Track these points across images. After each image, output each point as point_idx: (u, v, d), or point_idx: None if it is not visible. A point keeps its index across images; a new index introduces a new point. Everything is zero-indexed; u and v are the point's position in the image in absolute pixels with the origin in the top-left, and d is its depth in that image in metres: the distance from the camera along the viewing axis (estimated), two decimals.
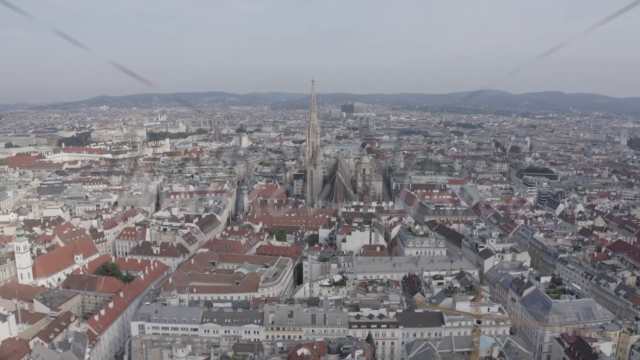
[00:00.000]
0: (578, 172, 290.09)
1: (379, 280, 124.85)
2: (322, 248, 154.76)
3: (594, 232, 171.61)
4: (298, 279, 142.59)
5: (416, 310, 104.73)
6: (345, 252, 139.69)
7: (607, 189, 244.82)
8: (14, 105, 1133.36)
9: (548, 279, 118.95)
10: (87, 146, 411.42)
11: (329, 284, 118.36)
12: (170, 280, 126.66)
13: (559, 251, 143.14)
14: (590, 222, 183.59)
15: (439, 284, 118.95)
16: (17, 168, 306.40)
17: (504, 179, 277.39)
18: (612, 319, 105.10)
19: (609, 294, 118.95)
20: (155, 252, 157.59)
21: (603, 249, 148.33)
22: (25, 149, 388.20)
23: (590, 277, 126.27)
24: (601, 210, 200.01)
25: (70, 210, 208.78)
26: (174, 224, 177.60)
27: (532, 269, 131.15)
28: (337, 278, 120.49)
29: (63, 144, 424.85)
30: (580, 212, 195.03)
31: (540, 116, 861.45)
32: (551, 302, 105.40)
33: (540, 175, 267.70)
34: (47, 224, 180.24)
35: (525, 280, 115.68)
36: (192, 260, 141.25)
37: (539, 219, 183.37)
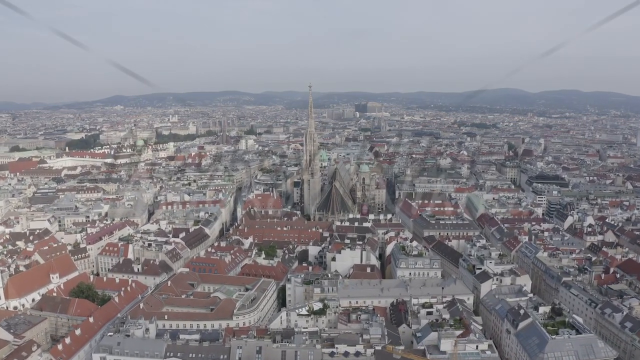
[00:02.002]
0: (591, 178, 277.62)
1: (364, 308, 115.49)
2: (310, 268, 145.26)
3: (604, 248, 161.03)
4: (283, 302, 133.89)
5: (397, 347, 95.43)
6: (330, 274, 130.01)
7: (620, 197, 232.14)
8: (30, 105, 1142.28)
9: (547, 308, 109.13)
10: (91, 150, 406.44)
11: (307, 312, 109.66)
12: (141, 305, 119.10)
13: (563, 274, 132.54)
14: (600, 237, 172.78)
15: (428, 313, 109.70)
16: (17, 174, 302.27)
17: (512, 186, 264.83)
18: (615, 357, 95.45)
19: (613, 326, 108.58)
20: (136, 270, 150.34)
21: (611, 270, 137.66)
22: (29, 153, 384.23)
23: (595, 306, 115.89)
24: (612, 222, 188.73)
25: (59, 222, 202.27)
26: (160, 238, 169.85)
27: (531, 295, 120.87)
28: (318, 306, 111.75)
29: (67, 148, 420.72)
30: (590, 225, 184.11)
31: (557, 115, 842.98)
32: (547, 338, 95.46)
33: (551, 182, 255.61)
34: (31, 238, 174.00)
35: (522, 312, 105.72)
36: (169, 282, 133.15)
37: (545, 233, 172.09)
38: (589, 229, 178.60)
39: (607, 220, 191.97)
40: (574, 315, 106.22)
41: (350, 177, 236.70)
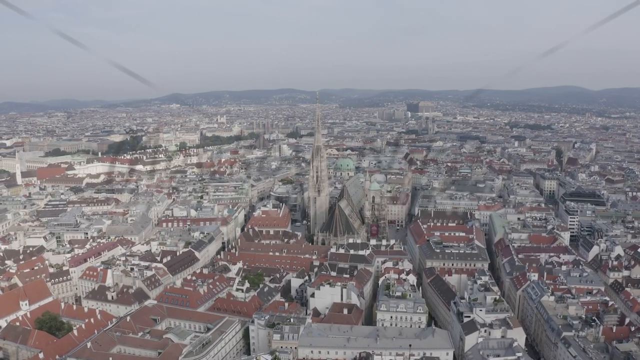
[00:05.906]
0: (634, 194, 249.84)
1: None
2: (287, 304, 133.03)
3: (627, 287, 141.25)
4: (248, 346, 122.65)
5: None
6: (292, 319, 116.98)
7: None
8: (91, 103, 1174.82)
9: None
10: (123, 155, 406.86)
11: None
12: (89, 344, 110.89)
13: (564, 327, 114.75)
14: (627, 273, 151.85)
15: None
16: (41, 181, 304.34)
17: (543, 204, 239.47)
18: None
19: None
20: (110, 298, 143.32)
21: (627, 320, 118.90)
22: (61, 159, 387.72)
23: None
24: None
25: (58, 239, 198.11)
26: (143, 262, 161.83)
27: (520, 354, 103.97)
28: (266, 359, 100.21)
29: (100, 153, 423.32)
30: (617, 256, 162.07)
31: (617, 115, 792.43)
32: None
33: (585, 200, 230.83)
34: (21, 257, 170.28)
35: None
36: (129, 318, 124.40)
37: (563, 267, 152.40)
38: (615, 262, 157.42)
39: (639, 249, 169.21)
40: None
41: (365, 192, 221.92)
